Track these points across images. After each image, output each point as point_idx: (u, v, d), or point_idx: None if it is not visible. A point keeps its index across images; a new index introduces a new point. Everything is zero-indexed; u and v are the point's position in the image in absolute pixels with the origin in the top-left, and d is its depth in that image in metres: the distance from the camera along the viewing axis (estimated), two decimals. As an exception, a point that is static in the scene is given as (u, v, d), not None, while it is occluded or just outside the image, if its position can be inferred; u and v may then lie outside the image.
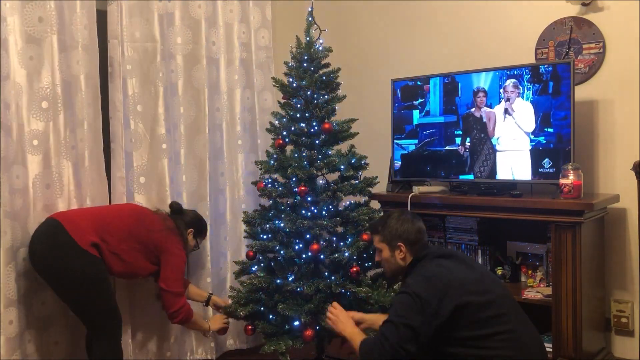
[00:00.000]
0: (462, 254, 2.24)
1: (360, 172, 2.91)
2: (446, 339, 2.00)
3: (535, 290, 2.84)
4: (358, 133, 2.96)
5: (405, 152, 3.31)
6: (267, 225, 2.83)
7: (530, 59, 3.12)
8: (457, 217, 3.12)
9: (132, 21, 2.92)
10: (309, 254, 2.70)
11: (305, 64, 2.87)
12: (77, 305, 2.51)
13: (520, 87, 2.92)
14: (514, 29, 3.21)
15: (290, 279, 2.73)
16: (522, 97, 2.91)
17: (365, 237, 2.73)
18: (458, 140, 3.13)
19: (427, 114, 3.24)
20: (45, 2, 2.59)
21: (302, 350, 2.69)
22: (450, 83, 3.14)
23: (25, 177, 2.56)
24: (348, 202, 2.91)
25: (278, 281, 2.73)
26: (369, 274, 2.81)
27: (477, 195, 2.96)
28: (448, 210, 3.05)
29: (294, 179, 2.77)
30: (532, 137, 2.88)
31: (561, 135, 2.80)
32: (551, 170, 2.80)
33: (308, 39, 2.91)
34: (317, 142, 2.83)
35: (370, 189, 2.93)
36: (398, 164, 3.33)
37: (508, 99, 2.96)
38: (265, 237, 2.84)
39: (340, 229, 2.85)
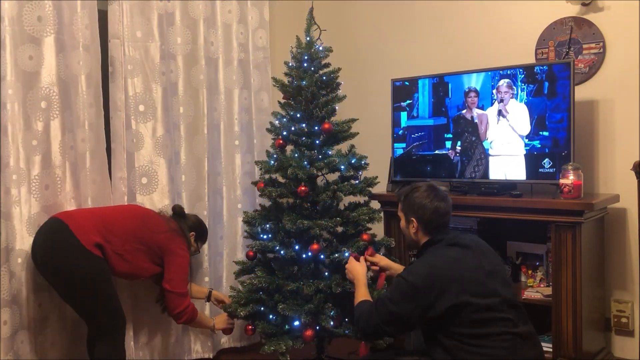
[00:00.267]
0: (481, 245, 2.14)
1: (360, 172, 2.91)
2: (440, 329, 2.00)
3: (535, 290, 2.84)
4: (358, 133, 2.95)
5: (396, 155, 3.30)
6: (267, 225, 2.83)
7: (531, 59, 3.12)
8: (457, 217, 3.11)
9: (134, 21, 2.92)
10: (309, 254, 2.70)
11: (305, 64, 2.87)
12: (80, 306, 2.51)
13: (515, 87, 2.88)
14: (514, 29, 3.21)
15: (290, 279, 2.72)
16: (516, 99, 2.87)
17: (365, 237, 2.73)
18: (448, 144, 3.10)
19: (416, 116, 3.21)
20: (44, 1, 2.59)
21: (302, 350, 2.69)
22: (440, 84, 3.11)
23: (24, 177, 2.55)
24: (348, 202, 2.91)
25: (278, 281, 2.73)
26: (369, 274, 2.81)
27: (477, 195, 2.96)
28: (448, 211, 3.04)
29: (294, 179, 2.77)
30: (526, 140, 2.85)
31: (557, 139, 2.77)
32: (551, 170, 2.80)
33: (308, 39, 2.91)
34: (317, 142, 2.83)
35: (370, 189, 2.93)
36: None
37: (502, 100, 2.93)
38: (265, 237, 2.84)
39: (340, 229, 2.85)
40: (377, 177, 2.94)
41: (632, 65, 2.87)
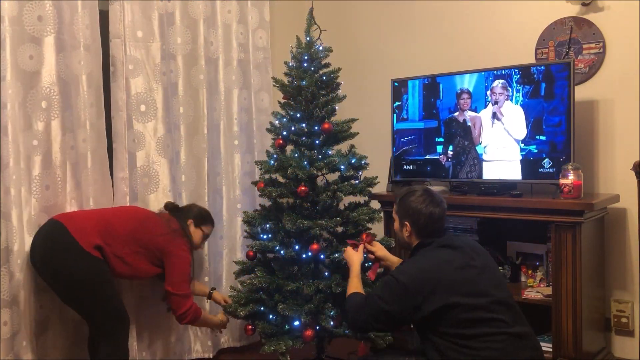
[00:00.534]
0: (472, 246, 2.14)
1: (360, 172, 2.91)
2: (430, 329, 2.01)
3: (535, 290, 2.84)
4: (358, 133, 2.95)
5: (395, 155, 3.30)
6: (267, 225, 2.84)
7: (531, 59, 3.12)
8: (457, 217, 3.12)
9: (135, 20, 2.93)
10: (309, 254, 2.70)
11: (305, 64, 2.87)
12: (80, 307, 2.51)
13: (510, 89, 2.84)
14: (514, 29, 3.21)
15: (290, 279, 2.73)
16: (512, 100, 2.83)
17: (364, 237, 2.73)
18: (440, 148, 3.08)
19: (406, 118, 3.18)
20: (44, 1, 2.59)
21: (302, 350, 2.69)
22: (431, 85, 3.08)
23: (24, 177, 2.55)
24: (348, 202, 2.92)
25: (278, 281, 2.73)
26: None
27: (477, 195, 2.96)
28: (448, 210, 3.02)
29: (294, 179, 2.77)
30: (522, 145, 2.83)
31: (555, 144, 2.75)
32: (551, 170, 2.80)
33: (308, 39, 2.91)
34: (317, 142, 2.83)
35: (370, 189, 2.93)
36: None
37: (496, 102, 2.88)
38: (265, 237, 2.84)
39: (340, 229, 2.85)
40: (377, 177, 2.94)
41: (632, 65, 2.87)
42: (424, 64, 3.50)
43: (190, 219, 2.82)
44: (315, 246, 2.69)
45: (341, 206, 2.90)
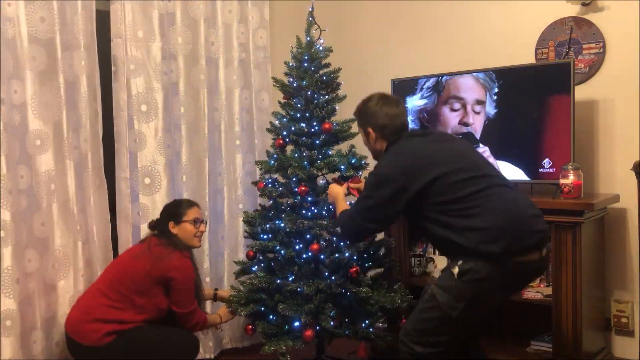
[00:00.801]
0: (444, 133, 2.26)
1: (360, 172, 2.91)
2: (421, 208, 2.04)
3: (535, 290, 2.84)
4: (358, 133, 2.95)
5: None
6: (267, 225, 2.84)
7: (531, 59, 3.12)
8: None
9: (135, 20, 2.93)
10: (309, 254, 2.70)
11: (305, 64, 2.87)
12: None
13: (510, 88, 2.85)
14: (514, 29, 3.21)
15: (290, 279, 2.73)
16: (511, 100, 2.84)
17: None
18: None
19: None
20: (47, 2, 2.60)
21: (302, 350, 2.69)
22: (437, 84, 3.09)
23: (29, 177, 2.56)
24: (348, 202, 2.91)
25: (278, 281, 2.74)
26: (369, 274, 2.81)
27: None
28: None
29: (294, 179, 2.77)
30: (522, 145, 2.84)
31: (557, 142, 2.75)
32: (551, 170, 2.80)
33: (308, 39, 2.91)
34: (317, 142, 2.83)
35: (370, 189, 2.92)
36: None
37: (497, 102, 2.89)
38: (265, 237, 2.84)
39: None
40: (377, 177, 2.94)
41: (632, 65, 2.87)
42: (424, 64, 3.50)
43: (169, 222, 2.71)
44: (315, 246, 2.69)
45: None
